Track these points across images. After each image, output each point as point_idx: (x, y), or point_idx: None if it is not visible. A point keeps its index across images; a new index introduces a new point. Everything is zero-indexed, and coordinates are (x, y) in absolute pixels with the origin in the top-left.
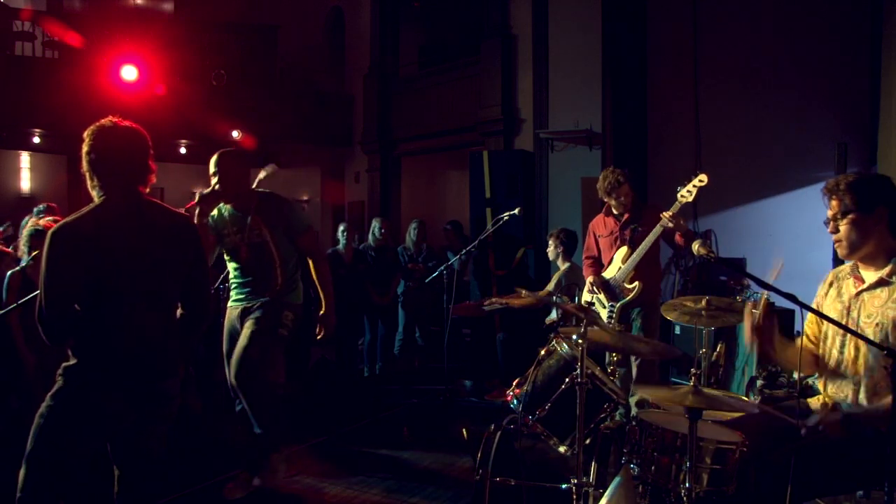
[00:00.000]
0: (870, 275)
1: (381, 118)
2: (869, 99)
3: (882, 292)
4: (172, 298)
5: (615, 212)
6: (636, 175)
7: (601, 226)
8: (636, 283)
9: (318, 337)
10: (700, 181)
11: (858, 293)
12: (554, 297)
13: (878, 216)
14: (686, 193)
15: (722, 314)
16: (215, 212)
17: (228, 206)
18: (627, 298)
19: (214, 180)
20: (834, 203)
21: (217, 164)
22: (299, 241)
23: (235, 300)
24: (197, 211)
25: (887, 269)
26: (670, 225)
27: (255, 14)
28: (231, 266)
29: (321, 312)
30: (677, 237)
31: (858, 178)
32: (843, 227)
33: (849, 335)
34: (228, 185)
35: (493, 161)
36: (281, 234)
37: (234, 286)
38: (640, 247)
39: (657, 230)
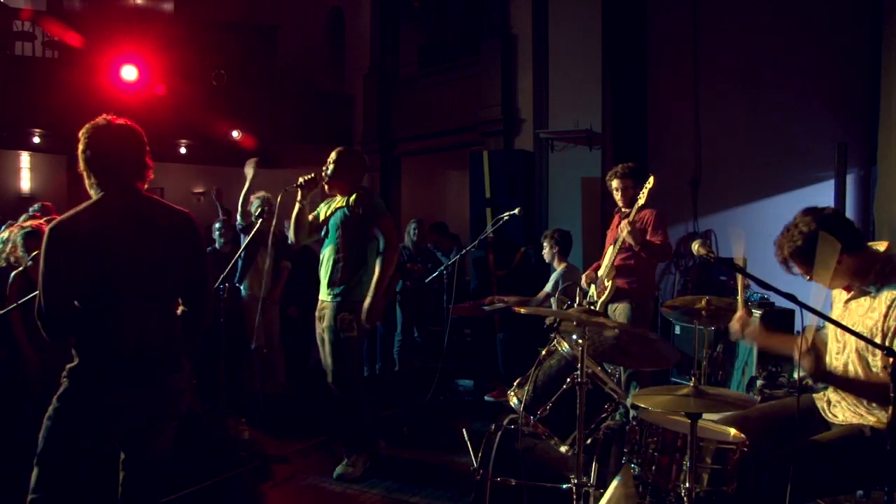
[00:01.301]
0: (856, 285)
1: (381, 118)
2: (869, 99)
3: (865, 301)
4: (172, 296)
5: (622, 209)
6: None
7: (613, 223)
8: (611, 281)
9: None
10: (648, 184)
11: (846, 302)
12: (552, 299)
13: (837, 263)
14: (639, 197)
15: (722, 314)
16: (331, 202)
17: (338, 199)
18: (603, 297)
19: (326, 169)
20: (791, 269)
21: (336, 156)
22: (378, 224)
23: (323, 293)
24: (299, 194)
25: (869, 279)
26: (626, 235)
27: (255, 14)
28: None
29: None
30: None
31: (796, 246)
32: (812, 280)
33: (844, 342)
34: (335, 177)
35: (493, 161)
36: (351, 228)
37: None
38: (613, 248)
39: (620, 237)
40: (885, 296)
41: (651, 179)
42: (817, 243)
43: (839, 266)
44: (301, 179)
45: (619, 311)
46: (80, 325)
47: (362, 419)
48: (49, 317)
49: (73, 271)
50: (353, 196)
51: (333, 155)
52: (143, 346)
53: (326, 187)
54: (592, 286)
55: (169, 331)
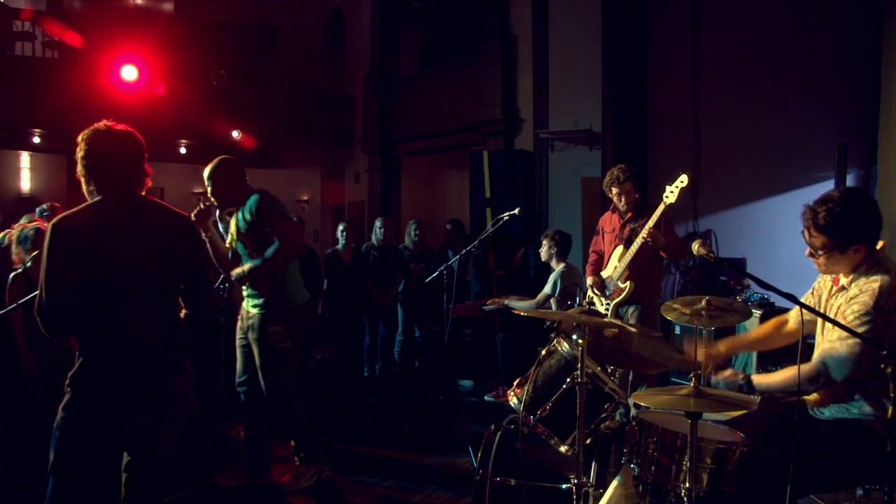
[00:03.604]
0: (844, 277)
1: (381, 118)
2: (869, 99)
3: (841, 297)
4: (174, 297)
5: (620, 209)
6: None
7: (608, 222)
8: (628, 282)
9: None
10: (681, 182)
11: (829, 297)
12: (551, 300)
13: (854, 251)
14: (669, 195)
15: (722, 314)
16: (235, 220)
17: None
18: (619, 298)
19: (208, 192)
20: (811, 240)
21: (207, 178)
22: (273, 231)
23: (246, 302)
24: (202, 231)
25: (851, 276)
26: (648, 240)
27: (255, 14)
28: None
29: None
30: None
31: (833, 218)
32: (821, 258)
33: (823, 334)
34: (218, 195)
35: (493, 161)
36: (256, 233)
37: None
38: (630, 250)
39: (639, 241)
40: (853, 287)
41: (684, 177)
42: (852, 220)
43: (852, 255)
44: (192, 215)
45: (632, 314)
46: (81, 325)
47: (305, 427)
48: (49, 311)
49: (75, 265)
50: (248, 203)
51: (205, 173)
52: (145, 348)
53: (218, 210)
54: (599, 293)
55: (171, 333)
